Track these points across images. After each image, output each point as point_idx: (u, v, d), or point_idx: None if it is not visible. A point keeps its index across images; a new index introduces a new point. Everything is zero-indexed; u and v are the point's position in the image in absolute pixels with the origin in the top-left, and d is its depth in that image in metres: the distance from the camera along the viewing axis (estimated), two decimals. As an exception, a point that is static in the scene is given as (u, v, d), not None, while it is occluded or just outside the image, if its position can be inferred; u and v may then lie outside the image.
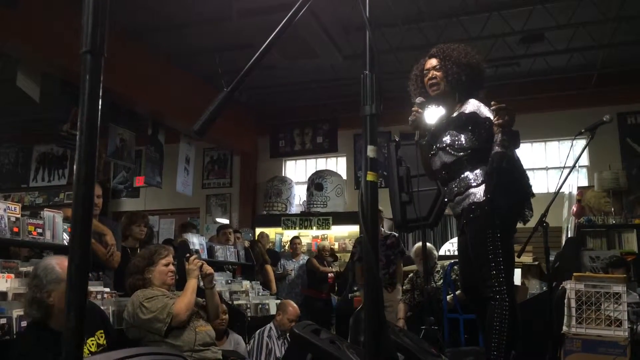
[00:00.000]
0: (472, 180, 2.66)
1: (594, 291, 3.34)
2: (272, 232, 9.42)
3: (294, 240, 7.84)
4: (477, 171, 2.66)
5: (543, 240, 3.24)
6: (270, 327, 4.25)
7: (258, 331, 4.25)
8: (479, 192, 2.62)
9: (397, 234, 5.69)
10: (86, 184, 0.95)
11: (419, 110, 2.79)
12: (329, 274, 7.34)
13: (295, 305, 4.41)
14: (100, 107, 1.00)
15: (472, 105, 2.74)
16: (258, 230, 9.44)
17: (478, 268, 2.65)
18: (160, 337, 2.78)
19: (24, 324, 2.43)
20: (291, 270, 7.49)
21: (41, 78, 6.40)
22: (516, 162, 2.65)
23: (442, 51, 2.87)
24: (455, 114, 2.80)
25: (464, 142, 2.71)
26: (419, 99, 2.80)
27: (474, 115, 2.71)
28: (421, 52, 3.06)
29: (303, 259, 7.71)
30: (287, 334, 4.07)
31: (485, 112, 2.68)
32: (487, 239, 2.57)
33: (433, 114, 2.86)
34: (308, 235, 9.52)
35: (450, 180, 2.77)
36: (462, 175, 2.70)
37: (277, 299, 5.40)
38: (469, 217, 2.66)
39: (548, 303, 3.44)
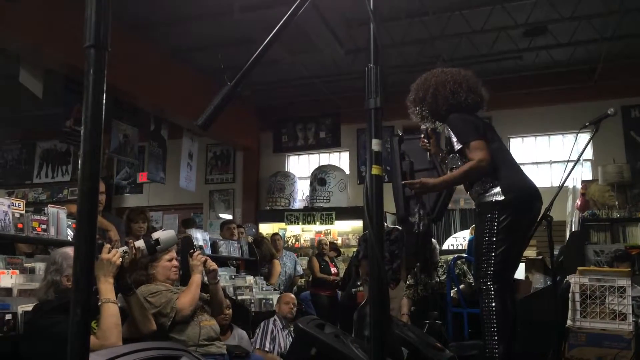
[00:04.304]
0: (481, 187, 2.83)
1: (598, 285, 3.34)
2: (275, 228, 9.42)
3: (274, 237, 7.55)
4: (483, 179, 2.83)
5: (547, 234, 3.22)
6: (275, 319, 4.40)
7: (264, 321, 4.40)
8: (489, 195, 2.77)
9: (400, 228, 5.61)
10: (91, 180, 0.95)
11: (424, 141, 3.12)
12: (332, 272, 7.33)
13: (290, 293, 4.51)
14: (104, 102, 0.99)
15: (446, 127, 2.99)
16: (261, 226, 9.45)
17: (475, 261, 2.86)
18: (164, 331, 2.79)
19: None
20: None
21: (44, 74, 6.39)
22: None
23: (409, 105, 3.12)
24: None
25: (453, 161, 2.96)
26: (423, 126, 2.92)
27: (448, 136, 2.98)
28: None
29: (285, 254, 7.49)
30: (291, 327, 4.11)
31: (451, 133, 2.92)
32: (484, 234, 2.70)
33: None
34: (311, 231, 9.52)
35: (469, 188, 2.98)
36: (475, 184, 2.89)
37: (280, 293, 5.41)
38: (476, 211, 2.91)
39: (552, 297, 3.43)
